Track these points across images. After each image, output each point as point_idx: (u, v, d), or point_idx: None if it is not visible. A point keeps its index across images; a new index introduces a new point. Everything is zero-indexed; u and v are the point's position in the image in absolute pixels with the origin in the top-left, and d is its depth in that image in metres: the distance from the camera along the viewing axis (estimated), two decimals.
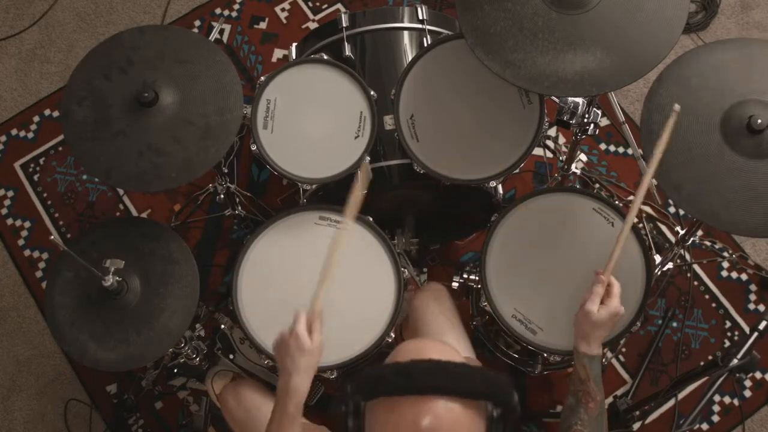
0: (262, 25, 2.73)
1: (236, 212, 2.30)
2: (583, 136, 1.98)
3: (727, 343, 2.27)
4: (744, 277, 2.34)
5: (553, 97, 2.27)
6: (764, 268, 2.34)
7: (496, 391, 0.99)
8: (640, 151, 2.21)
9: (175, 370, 2.01)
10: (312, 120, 1.83)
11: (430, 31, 1.98)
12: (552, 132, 2.49)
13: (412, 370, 0.97)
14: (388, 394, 0.97)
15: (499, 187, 1.96)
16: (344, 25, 1.99)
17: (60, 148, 2.59)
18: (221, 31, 2.71)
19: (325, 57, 1.86)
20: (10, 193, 2.55)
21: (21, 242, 2.49)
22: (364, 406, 1.00)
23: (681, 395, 2.20)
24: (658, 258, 2.05)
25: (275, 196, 2.48)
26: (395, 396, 0.97)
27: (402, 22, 2.03)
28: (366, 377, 1.00)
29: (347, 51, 1.95)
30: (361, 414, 1.00)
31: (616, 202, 1.77)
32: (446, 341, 1.70)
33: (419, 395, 0.96)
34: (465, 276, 1.89)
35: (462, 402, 0.97)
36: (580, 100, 1.92)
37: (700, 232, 2.31)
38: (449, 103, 1.80)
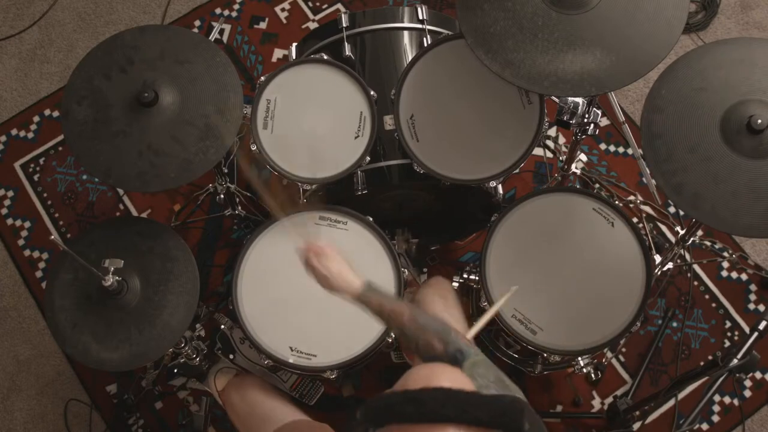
0: (262, 25, 2.73)
1: (236, 212, 2.30)
2: (583, 136, 1.98)
3: (727, 343, 2.27)
4: (744, 277, 2.34)
5: (553, 97, 2.27)
6: (764, 268, 2.34)
7: (506, 420, 0.98)
8: (640, 151, 2.21)
9: (175, 370, 2.02)
10: (312, 120, 1.83)
11: (430, 31, 1.98)
12: (552, 132, 2.49)
13: (422, 397, 0.96)
14: (398, 421, 0.97)
15: (499, 187, 1.96)
16: (344, 25, 1.99)
17: (60, 148, 2.59)
18: (221, 31, 2.71)
19: (325, 57, 1.86)
20: (10, 193, 2.55)
21: (21, 242, 2.49)
22: None
23: (681, 395, 2.20)
24: (658, 258, 2.05)
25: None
26: (405, 424, 0.97)
27: (402, 22, 2.02)
28: (376, 404, 0.99)
29: (347, 51, 1.95)
30: None
31: (616, 202, 1.77)
32: None
33: (429, 423, 0.95)
34: (465, 276, 1.89)
35: (472, 431, 0.97)
36: (580, 100, 1.92)
37: (700, 232, 2.31)
38: (449, 103, 1.80)
